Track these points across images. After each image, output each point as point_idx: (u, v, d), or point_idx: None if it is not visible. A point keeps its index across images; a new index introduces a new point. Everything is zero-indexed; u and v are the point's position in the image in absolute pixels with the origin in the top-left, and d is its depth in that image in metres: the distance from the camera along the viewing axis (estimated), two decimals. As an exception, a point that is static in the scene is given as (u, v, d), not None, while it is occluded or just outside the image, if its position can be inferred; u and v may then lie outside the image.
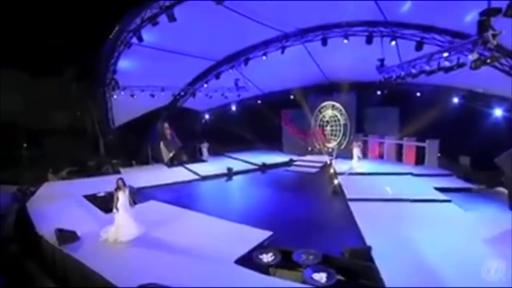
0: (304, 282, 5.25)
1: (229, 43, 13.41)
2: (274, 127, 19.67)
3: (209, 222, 7.95)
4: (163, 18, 9.09)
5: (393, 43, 10.57)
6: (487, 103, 12.12)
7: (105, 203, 9.54)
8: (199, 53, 13.68)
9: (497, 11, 5.49)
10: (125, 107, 15.19)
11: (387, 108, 16.29)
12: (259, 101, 19.03)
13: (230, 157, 18.42)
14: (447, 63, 7.14)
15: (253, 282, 5.17)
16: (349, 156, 14.92)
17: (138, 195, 10.54)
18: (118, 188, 7.00)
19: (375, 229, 7.26)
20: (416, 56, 9.42)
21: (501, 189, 10.55)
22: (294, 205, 9.99)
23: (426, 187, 10.80)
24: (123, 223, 6.85)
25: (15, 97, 16.02)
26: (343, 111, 17.30)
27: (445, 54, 8.06)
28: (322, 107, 18.24)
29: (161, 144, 17.17)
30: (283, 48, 12.73)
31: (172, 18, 8.83)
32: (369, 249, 6.08)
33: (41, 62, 16.84)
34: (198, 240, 6.82)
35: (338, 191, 10.85)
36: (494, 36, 5.63)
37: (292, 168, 16.17)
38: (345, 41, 11.32)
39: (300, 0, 9.57)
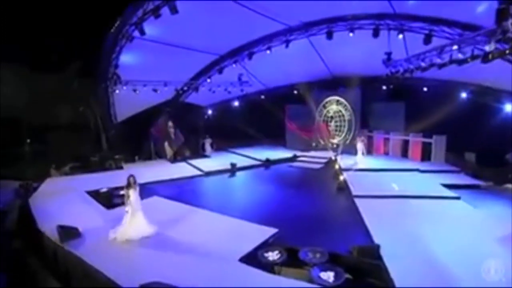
0: (310, 281, 5.11)
1: (232, 37, 13.19)
2: (278, 122, 19.46)
3: (212, 218, 7.82)
4: (165, 11, 8.90)
5: (401, 36, 10.32)
6: (496, 98, 11.87)
7: (108, 199, 9.48)
8: (202, 47, 13.48)
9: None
10: (127, 102, 15.07)
11: (392, 103, 16.04)
12: (262, 96, 18.82)
13: (233, 152, 18.27)
14: (460, 55, 6.85)
15: (258, 281, 5.04)
16: (354, 152, 14.72)
17: (140, 191, 10.41)
18: (129, 185, 6.73)
19: (383, 226, 7.09)
20: (425, 49, 9.22)
21: (510, 186, 10.36)
22: (299, 201, 9.82)
23: (433, 183, 10.59)
24: (135, 221, 6.62)
25: (17, 92, 15.92)
26: (348, 106, 17.05)
27: (455, 47, 7.83)
28: (326, 102, 18.02)
29: (165, 144, 17.06)
30: (287, 42, 12.51)
31: (174, 10, 8.64)
32: (377, 247, 5.91)
33: (43, 57, 16.72)
34: (201, 237, 6.70)
35: (344, 188, 10.68)
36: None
37: (296, 164, 15.99)
38: (351, 34, 11.10)
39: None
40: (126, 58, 12.03)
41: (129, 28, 10.19)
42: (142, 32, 9.79)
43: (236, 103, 19.27)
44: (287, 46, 12.51)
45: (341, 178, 11.21)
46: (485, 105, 12.45)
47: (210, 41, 13.11)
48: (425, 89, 14.00)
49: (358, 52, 12.86)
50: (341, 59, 14.51)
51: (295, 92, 18.15)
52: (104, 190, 10.25)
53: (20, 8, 15.46)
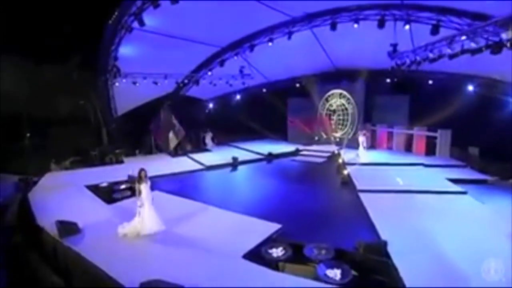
0: (316, 278, 4.97)
1: (234, 29, 12.88)
2: (280, 116, 19.23)
3: (214, 213, 7.67)
4: (165, 1, 8.63)
5: (407, 27, 10.02)
6: (503, 91, 11.60)
7: (108, 194, 9.34)
8: (202, 38, 13.18)
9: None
10: (127, 95, 14.87)
11: (396, 96, 15.77)
12: (264, 90, 18.55)
13: (235, 146, 18.10)
14: (473, 45, 6.57)
15: (262, 278, 4.89)
16: (356, 146, 14.57)
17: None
18: (140, 180, 6.48)
19: (389, 222, 6.94)
20: (434, 40, 8.94)
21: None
22: (302, 196, 9.67)
23: (439, 178, 10.42)
24: (147, 217, 6.44)
25: (17, 85, 15.70)
26: (351, 99, 16.79)
27: (463, 37, 7.57)
28: (329, 96, 17.74)
29: (170, 134, 16.83)
30: (290, 34, 12.21)
31: (174, 0, 8.37)
32: (385, 243, 5.75)
33: (43, 50, 16.42)
34: (203, 233, 6.55)
35: (348, 182, 10.51)
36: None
37: (298, 158, 15.82)
38: (355, 25, 10.79)
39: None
40: (125, 50, 11.78)
41: (128, 18, 9.91)
42: (142, 23, 9.52)
43: (237, 97, 19.03)
44: (289, 38, 12.22)
45: (345, 172, 11.03)
46: (492, 99, 12.19)
47: (211, 33, 12.80)
48: (430, 82, 13.71)
49: (362, 45, 12.59)
50: (344, 51, 14.22)
51: (297, 85, 17.88)
52: (104, 184, 10.10)
53: (19, 1, 15.14)
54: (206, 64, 15.30)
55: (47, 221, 6.75)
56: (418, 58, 8.84)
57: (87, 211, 7.70)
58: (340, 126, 17.50)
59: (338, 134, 17.52)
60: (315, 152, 16.05)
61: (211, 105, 20.00)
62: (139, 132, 17.51)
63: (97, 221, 7.03)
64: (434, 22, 9.23)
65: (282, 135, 19.39)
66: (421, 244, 5.93)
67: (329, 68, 16.62)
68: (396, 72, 13.33)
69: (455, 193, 9.00)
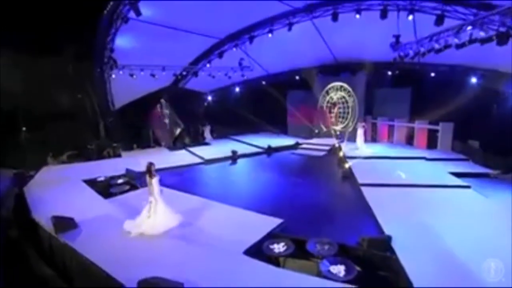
0: (319, 274, 4.85)
1: (233, 19, 12.59)
2: (279, 109, 19.03)
3: (214, 208, 7.51)
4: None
5: (411, 17, 9.78)
6: (507, 83, 11.41)
7: (105, 188, 9.18)
8: (201, 29, 12.89)
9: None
10: (124, 88, 14.62)
11: (398, 89, 15.58)
12: (263, 82, 18.30)
13: (234, 139, 17.94)
14: (482, 34, 6.34)
15: (265, 275, 4.75)
16: (355, 139, 14.55)
17: (139, 180, 10.10)
18: (151, 173, 6.22)
19: (392, 216, 6.80)
20: (439, 30, 8.72)
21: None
22: (304, 190, 9.53)
23: (441, 172, 10.28)
24: (163, 212, 6.24)
25: (12, 78, 15.38)
26: (352, 92, 16.59)
27: (469, 28, 7.36)
28: (329, 88, 17.52)
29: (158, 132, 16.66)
30: (290, 25, 11.95)
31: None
32: (389, 238, 5.62)
33: (38, 41, 16.02)
34: (203, 228, 6.41)
35: (349, 176, 10.38)
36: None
37: (298, 151, 15.67)
38: (357, 16, 10.54)
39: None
40: (122, 41, 11.50)
41: (124, 8, 9.62)
42: (138, 13, 9.23)
43: (236, 89, 18.78)
44: (290, 29, 11.96)
45: (346, 166, 10.89)
46: (494, 91, 12.03)
47: (209, 23, 12.51)
48: (432, 74, 13.51)
49: (364, 36, 12.36)
50: (345, 43, 13.97)
51: (297, 78, 17.64)
52: (102, 179, 9.94)
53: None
54: (205, 56, 15.04)
55: (43, 216, 6.59)
56: (422, 49, 8.60)
57: (84, 205, 7.52)
58: (340, 119, 17.32)
59: (338, 127, 17.36)
60: (315, 146, 15.89)
61: (210, 98, 19.75)
62: (137, 125, 17.27)
63: (94, 216, 6.86)
64: (438, 12, 9.01)
65: (282, 128, 19.22)
66: (426, 239, 5.79)
67: (329, 61, 16.35)
68: (398, 64, 13.16)
69: (459, 187, 8.87)
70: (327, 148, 15.26)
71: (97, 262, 4.89)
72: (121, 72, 12.80)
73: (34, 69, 16.20)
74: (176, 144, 16.69)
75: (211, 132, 18.57)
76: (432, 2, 9.23)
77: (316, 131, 17.98)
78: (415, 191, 8.56)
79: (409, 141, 15.05)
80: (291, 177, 11.14)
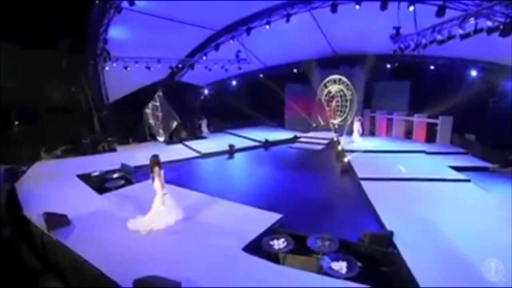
0: (320, 271, 4.73)
1: (229, 10, 12.27)
2: (277, 102, 18.82)
3: (211, 203, 7.34)
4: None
5: (412, 8, 9.56)
6: (507, 76, 11.29)
7: (100, 183, 8.97)
8: (197, 21, 12.57)
9: None
10: (119, 81, 14.31)
11: (397, 82, 15.43)
12: (261, 75, 18.04)
13: (231, 133, 17.75)
14: (489, 23, 6.14)
15: (265, 272, 4.62)
16: (351, 132, 14.60)
17: (135, 174, 9.92)
18: (159, 165, 6.05)
19: (393, 211, 6.70)
20: (439, 21, 8.52)
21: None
22: (302, 184, 9.39)
23: (441, 165, 10.21)
24: (170, 205, 6.13)
25: (4, 71, 14.96)
26: (350, 85, 16.41)
27: (472, 21, 7.18)
28: (327, 81, 17.31)
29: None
30: (288, 16, 11.66)
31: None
32: (390, 234, 5.52)
33: (32, 33, 15.56)
34: (201, 224, 6.25)
35: (348, 170, 10.27)
36: None
37: (296, 145, 15.53)
38: (357, 7, 10.29)
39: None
40: (115, 32, 11.17)
41: (117, -3, 9.31)
42: (131, 2, 8.92)
43: (233, 82, 18.51)
44: (288, 20, 11.68)
45: (345, 160, 10.76)
46: (494, 84, 11.93)
47: (205, 15, 12.19)
48: (431, 67, 13.36)
49: (363, 28, 12.14)
50: (344, 35, 13.75)
51: (295, 70, 17.41)
52: (96, 173, 9.72)
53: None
54: (201, 48, 14.72)
55: (35, 213, 6.37)
56: (424, 41, 8.40)
57: (77, 201, 7.31)
58: (338, 113, 17.16)
59: (336, 121, 17.21)
60: (313, 139, 15.76)
61: (206, 91, 19.46)
62: (132, 119, 16.98)
63: (88, 212, 6.67)
64: (440, 2, 8.80)
65: (279, 122, 19.04)
66: (428, 234, 5.70)
67: (328, 53, 16.11)
68: (398, 57, 12.97)
69: (459, 180, 8.80)
70: (325, 141, 15.14)
71: (90, 260, 4.72)
72: (114, 64, 12.47)
73: (27, 62, 15.80)
74: (172, 138, 16.46)
75: (208, 126, 18.33)
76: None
77: (314, 124, 17.83)
78: (415, 185, 8.47)
79: (408, 134, 14.96)
80: (289, 171, 11.00)
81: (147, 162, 11.17)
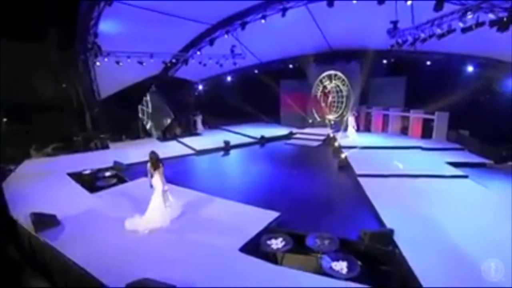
0: (320, 271, 4.58)
1: (224, 4, 11.96)
2: (272, 98, 18.62)
3: (207, 201, 7.14)
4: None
5: (409, 2, 9.41)
6: (504, 72, 11.24)
7: (91, 182, 8.71)
8: (190, 15, 12.24)
9: None
10: (111, 77, 13.92)
11: (393, 78, 15.33)
12: (256, 71, 17.79)
13: (226, 130, 17.54)
14: (491, 16, 5.99)
15: (262, 274, 4.46)
16: (346, 127, 14.52)
17: (127, 172, 9.70)
18: (160, 161, 5.91)
19: (393, 208, 6.58)
20: (437, 15, 8.39)
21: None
22: (299, 181, 9.24)
23: (438, 162, 10.14)
24: (162, 206, 5.93)
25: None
26: (346, 81, 16.28)
27: (469, 15, 7.04)
28: (323, 77, 17.15)
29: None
30: (284, 10, 11.41)
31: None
32: (391, 232, 5.39)
33: (19, 26, 15.04)
34: (196, 224, 6.06)
35: (345, 166, 10.14)
36: None
37: (292, 141, 15.38)
38: (354, 1, 10.11)
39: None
40: (106, 26, 10.79)
41: (107, -12, 8.96)
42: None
43: (228, 78, 18.24)
44: (283, 15, 11.44)
45: (343, 156, 10.64)
46: (490, 80, 11.90)
47: (199, 8, 11.87)
48: (428, 62, 13.27)
49: (360, 23, 12.01)
50: (341, 30, 13.58)
51: (291, 66, 17.23)
52: (88, 172, 9.43)
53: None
54: (195, 42, 14.39)
55: (22, 213, 6.11)
56: (423, 35, 8.25)
57: (68, 201, 7.06)
58: (334, 109, 17.03)
59: (332, 117, 17.09)
60: (310, 136, 15.63)
61: (201, 87, 19.16)
62: (125, 116, 16.63)
63: (79, 212, 6.43)
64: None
65: (275, 118, 18.86)
66: (429, 232, 5.59)
67: (324, 49, 15.91)
68: (394, 52, 12.86)
69: (457, 177, 8.73)
70: (321, 138, 15.01)
71: (79, 262, 4.50)
72: (106, 59, 12.11)
73: (15, 56, 15.31)
74: (166, 135, 16.18)
75: (203, 122, 18.08)
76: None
77: (310, 120, 17.69)
78: (413, 182, 8.38)
79: (404, 130, 14.91)
80: (286, 168, 10.84)
81: (141, 159, 11.02)
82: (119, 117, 16.37)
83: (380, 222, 6.10)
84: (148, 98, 15.93)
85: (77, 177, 8.98)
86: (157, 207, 5.87)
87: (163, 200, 5.90)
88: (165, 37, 13.10)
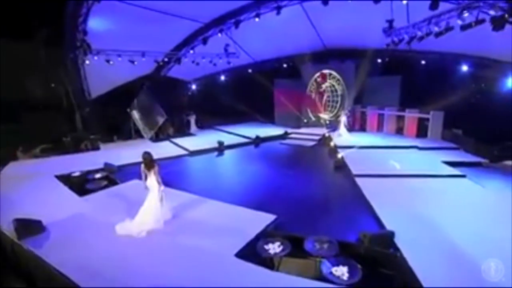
0: (320, 276, 4.40)
1: (217, 2, 11.71)
2: (266, 98, 18.42)
3: (201, 204, 6.91)
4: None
5: (405, 1, 9.32)
6: (499, 71, 11.24)
7: (81, 184, 8.38)
8: (183, 13, 11.97)
9: None
10: (101, 76, 13.56)
11: (388, 77, 15.28)
12: (250, 70, 17.58)
13: (220, 130, 17.29)
14: (492, 12, 5.87)
15: (261, 280, 4.25)
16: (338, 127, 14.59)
17: (119, 174, 9.39)
18: (154, 164, 5.72)
19: (392, 209, 6.45)
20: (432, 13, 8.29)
21: (510, 162, 9.97)
22: (296, 182, 9.06)
23: (434, 161, 10.07)
24: (156, 208, 5.74)
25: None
26: (341, 80, 16.18)
27: (465, 14, 6.93)
28: (318, 76, 17.02)
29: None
30: (278, 9, 11.24)
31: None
32: (392, 234, 5.24)
33: (7, 23, 14.55)
34: (189, 228, 5.82)
35: (342, 166, 10.00)
36: None
37: (287, 141, 15.21)
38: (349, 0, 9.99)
39: None
40: (95, 23, 10.46)
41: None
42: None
43: (222, 78, 17.99)
44: (278, 13, 11.26)
45: (339, 156, 10.49)
46: (485, 79, 11.91)
47: (192, 6, 11.60)
48: (422, 62, 13.24)
49: (355, 22, 11.93)
50: (336, 29, 13.50)
51: (285, 65, 17.08)
52: (77, 174, 9.10)
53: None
54: (188, 41, 14.12)
55: (5, 219, 5.77)
56: (419, 33, 8.14)
57: (54, 205, 6.74)
58: (329, 108, 16.92)
59: (327, 116, 16.98)
60: (305, 135, 15.49)
61: (194, 87, 18.87)
62: (116, 116, 16.25)
63: (66, 216, 6.13)
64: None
65: (269, 118, 18.67)
66: (431, 233, 5.46)
67: (318, 48, 15.81)
68: (389, 51, 12.82)
69: (454, 176, 8.66)
70: (317, 137, 14.88)
71: (64, 271, 4.22)
72: (96, 57, 11.76)
73: (1, 55, 14.83)
74: (159, 135, 15.86)
75: (196, 122, 17.80)
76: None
77: (305, 120, 17.55)
78: (411, 182, 8.27)
79: (399, 129, 14.87)
80: (282, 168, 10.66)
81: (133, 160, 10.69)
82: (111, 117, 16.01)
83: (379, 223, 5.96)
84: (143, 99, 15.59)
85: (65, 179, 8.64)
86: (151, 208, 5.67)
87: (159, 200, 5.73)
88: (157, 35, 12.80)
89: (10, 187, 7.81)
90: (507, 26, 6.89)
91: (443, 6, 8.17)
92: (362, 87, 16.03)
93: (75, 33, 10.55)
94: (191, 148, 12.99)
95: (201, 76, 18.19)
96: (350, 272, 4.33)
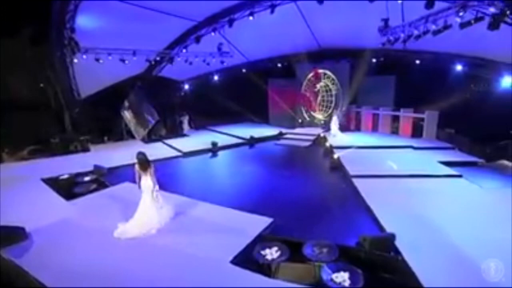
0: (320, 283, 4.20)
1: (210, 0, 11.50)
2: (261, 98, 18.23)
3: (194, 207, 6.66)
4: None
5: (400, 1, 9.22)
6: (493, 71, 11.23)
7: (69, 187, 8.04)
8: (176, 11, 11.69)
9: None
10: (91, 75, 13.18)
11: (382, 77, 15.22)
12: (243, 70, 17.36)
13: (213, 130, 17.05)
14: (492, 9, 5.75)
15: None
16: (341, 128, 14.46)
17: (109, 176, 9.08)
18: (149, 164, 5.63)
19: (390, 210, 6.31)
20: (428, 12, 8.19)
21: (505, 162, 9.97)
22: (291, 184, 8.86)
23: (430, 161, 10.00)
24: (152, 210, 5.60)
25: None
26: (335, 80, 16.08)
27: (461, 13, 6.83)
28: (312, 76, 16.89)
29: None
30: (272, 7, 11.05)
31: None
32: (392, 237, 5.07)
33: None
34: (183, 233, 5.57)
35: (338, 167, 9.85)
36: None
37: (282, 141, 15.03)
38: (344, -1, 9.89)
39: None
40: (84, 20, 10.12)
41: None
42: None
43: (215, 77, 17.73)
44: (272, 11, 11.08)
45: (335, 156, 10.34)
46: (480, 79, 11.91)
47: (185, 4, 11.34)
48: (417, 61, 13.19)
49: (350, 21, 11.82)
50: (330, 29, 13.36)
51: (279, 65, 16.90)
52: (65, 176, 8.77)
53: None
54: (181, 40, 13.83)
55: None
56: (416, 32, 8.03)
57: (40, 210, 6.42)
58: (324, 108, 16.81)
59: (321, 116, 16.86)
60: (300, 136, 15.34)
61: (187, 87, 18.54)
62: (107, 116, 15.86)
63: (52, 222, 5.82)
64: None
65: (263, 118, 18.48)
66: (430, 234, 5.35)
67: (313, 47, 15.65)
68: (383, 51, 12.74)
69: (451, 176, 8.58)
70: (311, 138, 14.74)
71: (46, 282, 3.94)
72: (84, 56, 11.40)
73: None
74: (151, 136, 15.54)
75: (189, 122, 17.51)
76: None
77: (300, 120, 17.41)
78: (408, 182, 8.17)
79: (394, 129, 14.82)
80: (277, 169, 10.47)
81: (124, 162, 10.37)
82: (101, 118, 15.62)
83: (378, 225, 5.81)
84: (135, 99, 15.25)
85: (53, 182, 8.31)
86: (148, 208, 5.54)
87: (154, 201, 5.61)
88: (148, 33, 12.48)
89: (-7, 191, 7.43)
90: (502, 25, 6.87)
91: (440, 4, 8.16)
92: (357, 87, 15.96)
93: (62, 31, 10.18)
94: (184, 149, 12.73)
95: (194, 76, 17.89)
96: (351, 278, 4.14)
